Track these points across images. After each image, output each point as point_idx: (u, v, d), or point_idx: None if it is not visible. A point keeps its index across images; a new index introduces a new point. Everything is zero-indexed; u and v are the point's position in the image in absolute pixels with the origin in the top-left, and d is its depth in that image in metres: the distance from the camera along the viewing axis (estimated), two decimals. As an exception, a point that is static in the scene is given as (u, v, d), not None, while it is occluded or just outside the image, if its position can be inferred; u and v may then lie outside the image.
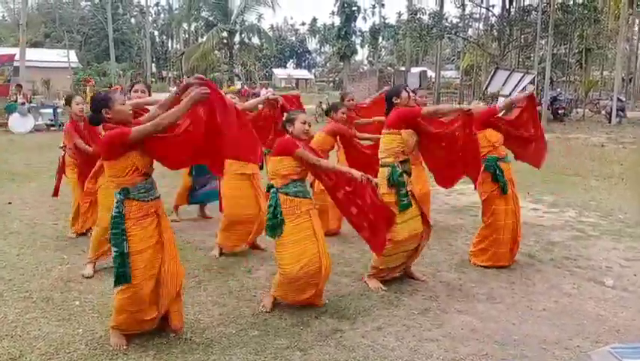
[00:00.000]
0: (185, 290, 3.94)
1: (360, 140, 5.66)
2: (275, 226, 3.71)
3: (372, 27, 47.10)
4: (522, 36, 24.74)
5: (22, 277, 4.50)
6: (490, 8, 27.76)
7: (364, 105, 6.70)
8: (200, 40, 36.85)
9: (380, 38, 50.04)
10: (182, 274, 3.44)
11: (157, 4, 50.45)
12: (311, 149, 3.96)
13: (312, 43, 73.37)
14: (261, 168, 5.09)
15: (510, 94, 18.27)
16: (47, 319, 3.71)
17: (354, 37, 45.28)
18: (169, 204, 5.92)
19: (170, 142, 3.18)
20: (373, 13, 51.42)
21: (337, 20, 44.84)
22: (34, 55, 29.65)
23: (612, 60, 32.78)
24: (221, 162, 3.51)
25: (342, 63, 46.73)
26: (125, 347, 3.30)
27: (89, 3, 38.53)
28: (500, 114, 4.91)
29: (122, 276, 3.20)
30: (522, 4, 24.32)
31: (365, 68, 54.84)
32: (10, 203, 7.19)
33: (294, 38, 74.31)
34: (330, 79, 53.00)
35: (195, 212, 6.62)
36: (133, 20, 42.51)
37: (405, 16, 35.02)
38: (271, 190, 3.77)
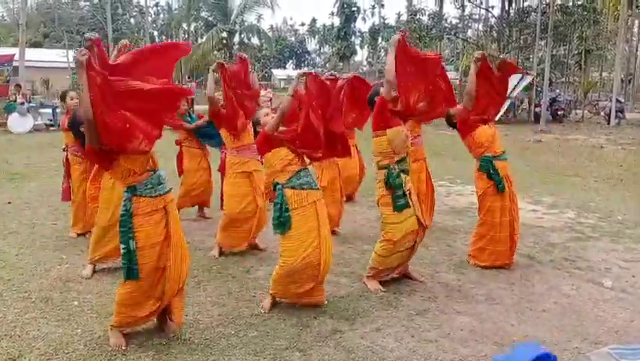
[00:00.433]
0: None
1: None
2: (283, 223, 3.70)
3: (371, 27, 47.09)
4: (521, 37, 24.76)
5: (22, 277, 4.50)
6: (490, 9, 27.87)
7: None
8: (199, 40, 36.84)
9: (379, 39, 49.97)
10: (186, 271, 3.44)
11: (156, 5, 50.46)
12: None
13: (312, 44, 73.40)
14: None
15: (509, 95, 18.30)
16: (46, 319, 3.71)
17: (353, 37, 45.34)
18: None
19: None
20: (373, 14, 51.45)
21: (337, 21, 44.94)
22: (33, 55, 29.63)
23: (611, 61, 32.84)
24: None
25: (341, 64, 46.75)
26: (124, 348, 3.30)
27: (88, 3, 38.48)
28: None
29: (130, 272, 3.22)
30: (521, 6, 24.37)
31: (364, 68, 54.85)
32: (9, 203, 7.18)
33: (293, 39, 74.30)
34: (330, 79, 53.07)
35: (194, 213, 6.62)
36: (132, 20, 42.48)
37: (404, 17, 35.05)
38: (277, 187, 3.77)
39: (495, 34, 24.54)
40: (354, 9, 42.61)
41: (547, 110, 20.29)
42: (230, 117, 5.00)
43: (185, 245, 3.47)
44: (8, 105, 17.08)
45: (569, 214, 6.99)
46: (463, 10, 27.16)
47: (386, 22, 53.20)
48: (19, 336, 3.46)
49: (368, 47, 51.34)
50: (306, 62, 71.16)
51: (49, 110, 17.55)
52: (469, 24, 28.53)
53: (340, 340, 3.48)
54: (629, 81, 33.89)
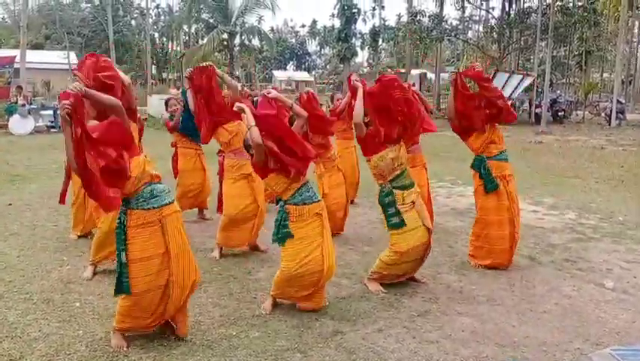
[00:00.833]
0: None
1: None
2: (282, 238, 3.80)
3: (372, 29, 46.88)
4: (522, 38, 24.80)
5: (23, 278, 4.51)
6: (490, 10, 27.90)
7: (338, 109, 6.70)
8: (200, 42, 36.85)
9: (380, 40, 49.91)
10: (188, 287, 3.36)
11: (157, 7, 50.43)
12: None
13: (312, 46, 73.30)
14: None
15: (510, 96, 18.31)
16: (47, 320, 3.71)
17: (354, 39, 45.25)
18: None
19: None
20: (373, 15, 51.21)
21: (337, 22, 44.82)
22: (34, 56, 29.61)
23: (612, 62, 32.88)
24: None
25: (342, 65, 46.69)
26: (125, 349, 3.30)
27: (89, 5, 38.49)
28: None
29: (120, 285, 3.22)
30: (522, 7, 24.36)
31: (365, 70, 54.81)
32: (10, 205, 7.19)
33: (294, 40, 74.21)
34: (331, 81, 52.98)
35: (194, 214, 6.62)
36: (133, 22, 42.45)
37: (405, 18, 35.02)
38: (279, 204, 3.88)
39: (495, 36, 24.55)
40: (355, 11, 42.51)
41: (548, 111, 20.28)
42: (199, 124, 5.10)
43: (192, 259, 3.40)
44: (9, 107, 17.09)
45: (569, 215, 6.99)
46: (464, 12, 27.18)
47: (386, 23, 53.19)
48: (21, 337, 3.46)
49: (369, 48, 51.21)
50: (306, 64, 71.18)
51: (50, 112, 17.55)
52: (470, 25, 28.60)
53: (341, 341, 3.48)
54: (630, 82, 33.89)
